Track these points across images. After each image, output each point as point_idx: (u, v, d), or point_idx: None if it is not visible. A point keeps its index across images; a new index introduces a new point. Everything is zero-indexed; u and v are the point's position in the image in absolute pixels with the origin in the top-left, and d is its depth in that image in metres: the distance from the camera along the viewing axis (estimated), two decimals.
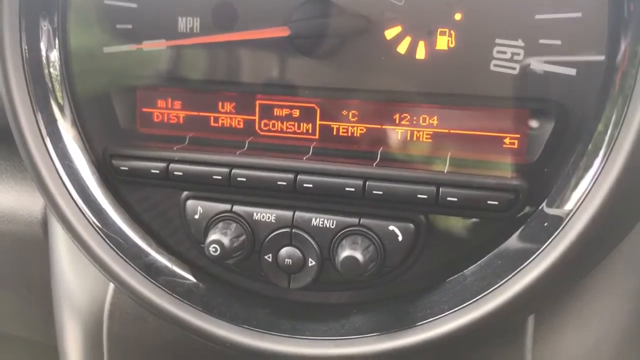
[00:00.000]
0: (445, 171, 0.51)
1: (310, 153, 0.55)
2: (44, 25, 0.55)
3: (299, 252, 0.53)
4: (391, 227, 0.52)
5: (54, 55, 0.56)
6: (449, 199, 0.50)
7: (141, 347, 0.64)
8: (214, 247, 0.52)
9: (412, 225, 0.52)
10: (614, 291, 0.55)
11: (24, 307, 0.95)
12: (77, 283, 0.67)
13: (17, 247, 0.82)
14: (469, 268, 0.52)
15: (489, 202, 0.49)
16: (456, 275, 0.52)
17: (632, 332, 0.55)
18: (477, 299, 0.49)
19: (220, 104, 0.57)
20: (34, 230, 0.78)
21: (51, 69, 0.56)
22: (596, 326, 0.55)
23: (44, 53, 0.56)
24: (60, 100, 0.57)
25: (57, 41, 0.56)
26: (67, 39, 0.57)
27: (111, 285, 0.64)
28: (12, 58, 0.53)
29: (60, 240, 0.68)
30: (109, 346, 0.64)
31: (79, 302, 0.67)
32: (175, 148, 0.57)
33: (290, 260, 0.53)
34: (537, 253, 0.47)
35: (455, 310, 0.49)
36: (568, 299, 0.55)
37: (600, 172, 0.45)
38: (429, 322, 0.50)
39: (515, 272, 0.48)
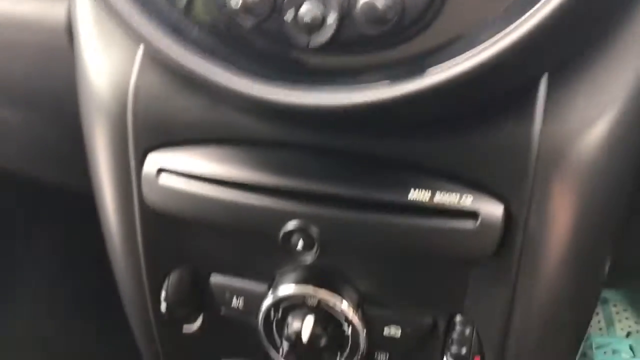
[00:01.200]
0: None
1: None
2: None
3: (320, 6, 0.54)
4: None
5: None
6: None
7: (165, 126, 0.66)
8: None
9: None
10: (625, 59, 0.56)
11: (50, 133, 0.97)
12: (102, 69, 0.69)
13: (43, 57, 0.84)
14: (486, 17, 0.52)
15: None
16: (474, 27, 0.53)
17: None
18: (492, 39, 0.50)
19: None
20: (58, 36, 0.79)
21: None
22: (605, 94, 0.56)
23: None
24: None
25: None
26: None
27: (135, 67, 0.66)
28: None
29: (83, 28, 0.70)
30: (134, 127, 0.67)
31: (103, 90, 0.69)
32: None
33: (311, 16, 0.54)
34: None
35: (470, 52, 0.50)
36: (579, 67, 0.56)
37: None
38: (441, 65, 0.51)
39: (528, 12, 0.48)
